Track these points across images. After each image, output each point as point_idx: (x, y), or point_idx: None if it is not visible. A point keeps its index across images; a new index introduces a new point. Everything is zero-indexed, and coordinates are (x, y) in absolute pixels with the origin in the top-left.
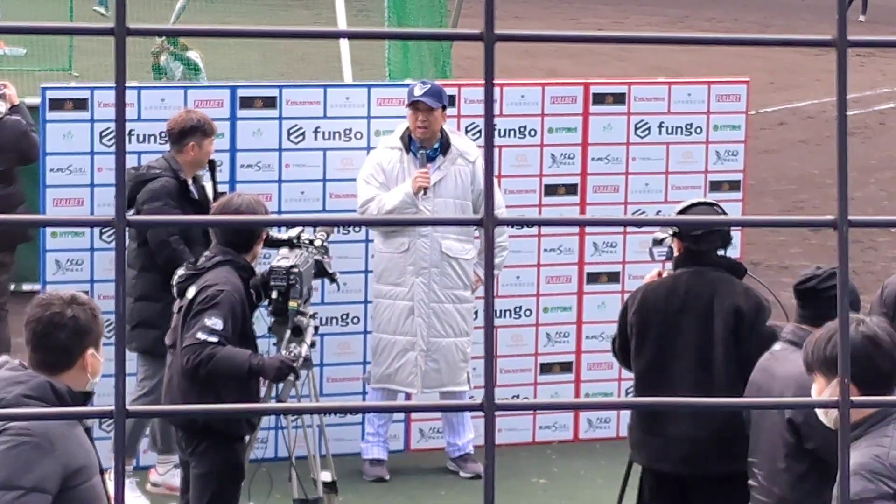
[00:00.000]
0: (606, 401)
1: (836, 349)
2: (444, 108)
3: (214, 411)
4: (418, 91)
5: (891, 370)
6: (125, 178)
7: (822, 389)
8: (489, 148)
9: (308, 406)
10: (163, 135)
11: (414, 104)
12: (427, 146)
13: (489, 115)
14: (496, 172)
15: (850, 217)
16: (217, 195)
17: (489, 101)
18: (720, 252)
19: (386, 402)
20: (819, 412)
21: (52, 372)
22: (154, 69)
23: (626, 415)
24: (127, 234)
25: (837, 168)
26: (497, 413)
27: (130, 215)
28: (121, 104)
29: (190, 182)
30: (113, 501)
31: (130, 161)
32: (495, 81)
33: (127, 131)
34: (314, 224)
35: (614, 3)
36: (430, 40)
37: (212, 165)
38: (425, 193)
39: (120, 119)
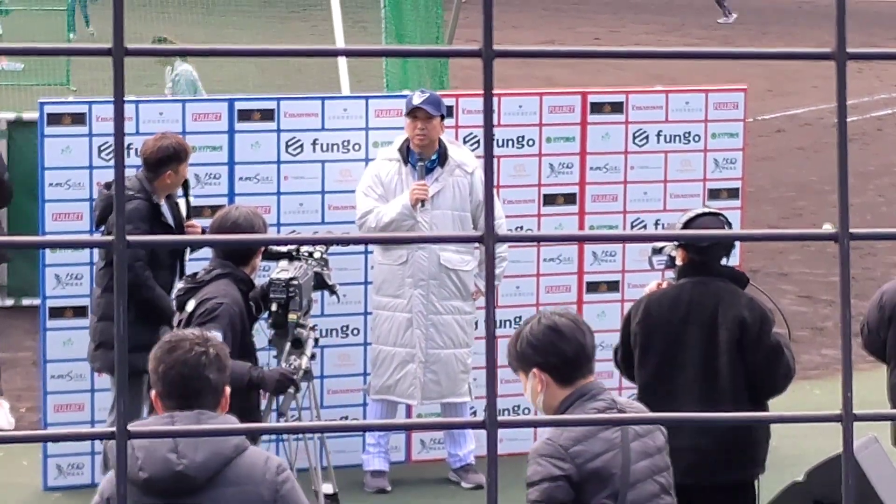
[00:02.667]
0: (606, 417)
1: (524, 345)
2: (442, 117)
3: (213, 431)
4: (417, 99)
5: (577, 353)
6: (124, 197)
7: (526, 384)
8: (489, 163)
9: (307, 425)
10: None
11: (413, 112)
12: (425, 157)
13: (489, 131)
14: (494, 183)
15: (851, 230)
16: (190, 212)
17: (488, 117)
18: (723, 261)
19: (387, 421)
20: (528, 398)
21: None
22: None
23: None
24: (99, 251)
25: (838, 180)
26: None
27: (103, 235)
28: (119, 122)
29: (163, 202)
30: None
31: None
32: (493, 92)
33: (125, 145)
34: (311, 242)
35: (610, 12)
36: (428, 57)
37: (185, 184)
38: (423, 206)
39: (119, 137)
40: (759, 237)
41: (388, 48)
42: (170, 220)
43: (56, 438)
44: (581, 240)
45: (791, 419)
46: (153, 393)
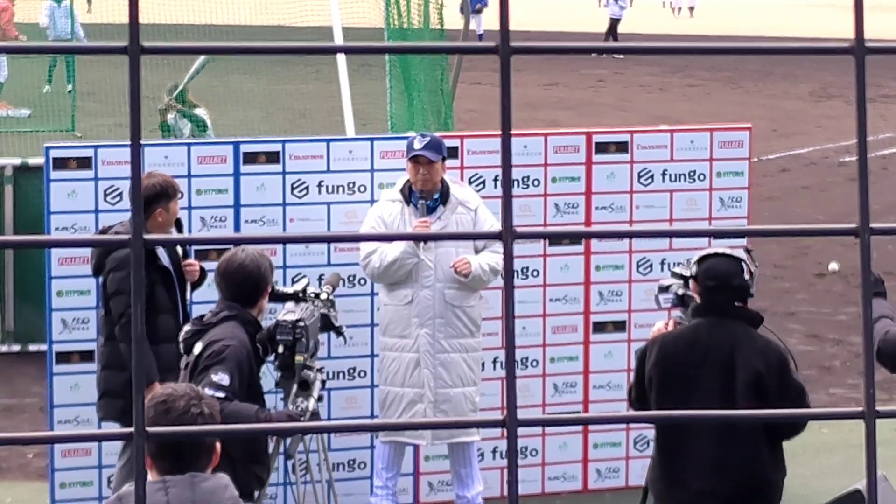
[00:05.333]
0: (634, 415)
1: None
2: (443, 159)
3: (235, 431)
4: (418, 145)
5: None
6: (140, 190)
7: None
8: (506, 159)
9: (317, 425)
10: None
11: (415, 158)
12: (427, 196)
13: (506, 126)
14: (499, 221)
15: (871, 225)
16: (186, 251)
17: (506, 113)
18: (738, 303)
19: (395, 421)
20: None
21: None
22: (161, 127)
23: (634, 464)
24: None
25: (858, 176)
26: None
27: (103, 282)
28: (136, 116)
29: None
30: None
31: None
32: (496, 133)
33: (125, 190)
34: (329, 240)
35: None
36: (442, 53)
37: (178, 224)
38: (426, 243)
39: (135, 122)
40: (777, 232)
41: (394, 45)
42: (165, 262)
43: (67, 440)
44: (595, 236)
45: (815, 416)
46: None
